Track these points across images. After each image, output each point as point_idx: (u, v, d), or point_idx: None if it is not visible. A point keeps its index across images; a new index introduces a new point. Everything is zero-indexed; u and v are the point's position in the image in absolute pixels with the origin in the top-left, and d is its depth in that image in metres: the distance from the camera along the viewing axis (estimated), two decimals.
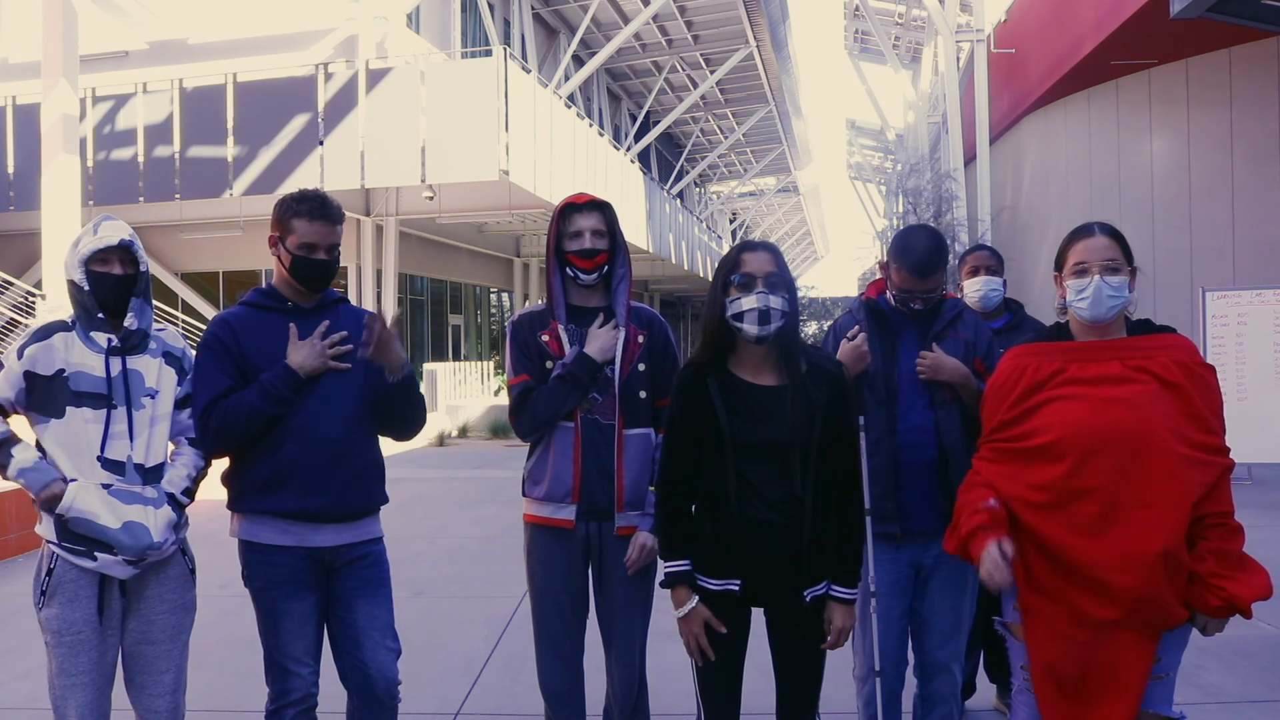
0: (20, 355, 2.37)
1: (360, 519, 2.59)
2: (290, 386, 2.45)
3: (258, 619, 2.57)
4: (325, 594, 2.58)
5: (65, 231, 10.34)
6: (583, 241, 2.63)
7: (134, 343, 2.47)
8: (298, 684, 2.53)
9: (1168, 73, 14.21)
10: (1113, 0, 12.72)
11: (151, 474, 2.44)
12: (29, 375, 2.37)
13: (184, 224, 16.10)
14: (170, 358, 2.54)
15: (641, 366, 2.68)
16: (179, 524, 2.49)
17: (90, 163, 13.55)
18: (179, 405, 2.53)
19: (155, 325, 2.56)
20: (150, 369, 2.48)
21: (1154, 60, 14.03)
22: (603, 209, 2.68)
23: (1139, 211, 14.50)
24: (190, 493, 2.53)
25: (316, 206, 2.51)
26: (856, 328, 2.72)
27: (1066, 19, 14.97)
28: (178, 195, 13.72)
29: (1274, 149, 12.76)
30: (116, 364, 2.43)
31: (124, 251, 2.42)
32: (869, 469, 2.59)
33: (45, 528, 2.40)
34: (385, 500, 2.67)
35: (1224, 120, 13.38)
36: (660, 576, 2.34)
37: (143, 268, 2.48)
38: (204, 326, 14.25)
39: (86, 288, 2.41)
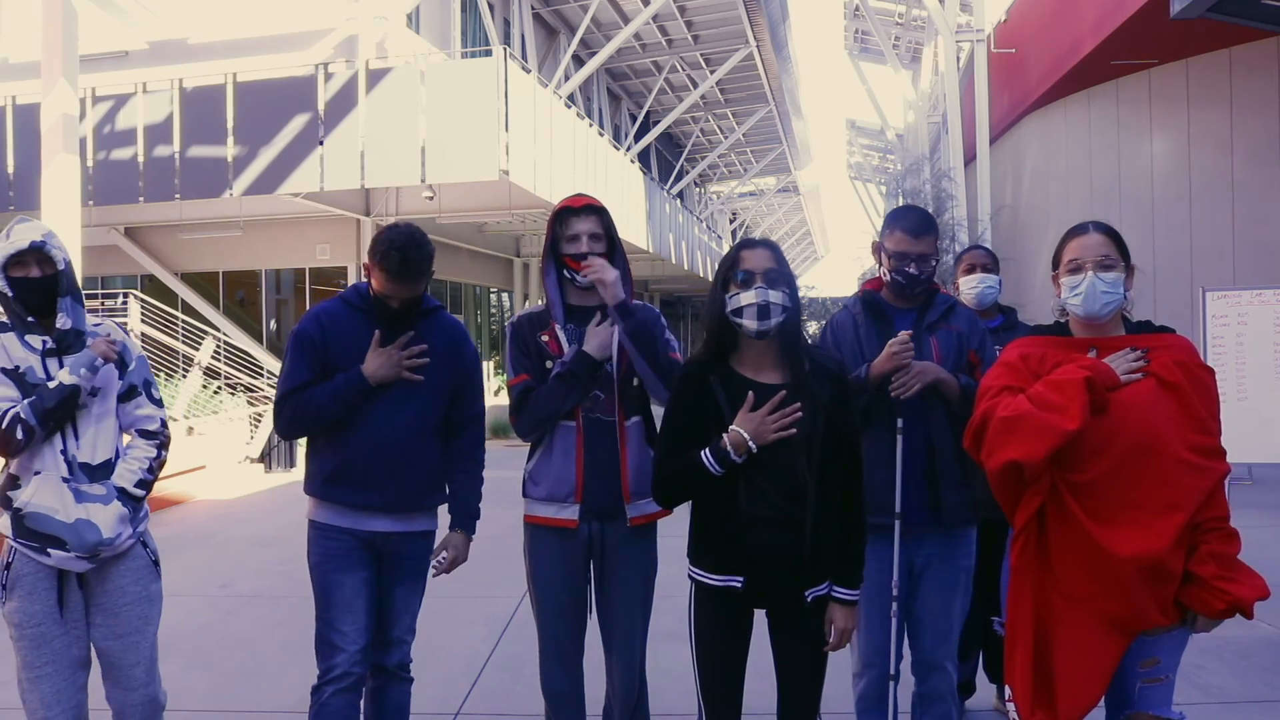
0: None
1: (415, 513, 2.72)
2: (359, 392, 2.58)
3: (315, 597, 2.68)
4: (376, 573, 2.69)
5: (65, 231, 10.34)
6: (579, 245, 2.65)
7: (69, 343, 2.47)
8: (340, 659, 2.59)
9: (1168, 73, 14.20)
10: (1113, 0, 12.72)
11: (98, 471, 2.47)
12: (5, 371, 2.39)
13: (184, 224, 16.09)
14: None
15: None
16: (134, 517, 2.51)
17: (90, 163, 13.53)
18: (123, 398, 2.56)
19: (93, 321, 2.56)
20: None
21: (1154, 60, 14.01)
22: (599, 213, 2.70)
23: (1139, 211, 14.48)
24: (145, 484, 2.54)
25: (396, 266, 2.56)
26: (908, 333, 2.64)
27: (1066, 19, 14.96)
28: (178, 195, 13.69)
29: (1274, 149, 12.76)
30: (54, 365, 2.43)
31: (38, 253, 2.42)
32: (870, 461, 2.57)
33: (2, 523, 2.42)
34: (441, 501, 2.80)
35: (1224, 120, 13.37)
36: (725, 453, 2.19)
37: (61, 266, 2.46)
38: (203, 327, 14.28)
39: (10, 294, 2.42)
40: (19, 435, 2.31)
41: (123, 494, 2.48)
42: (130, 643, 2.52)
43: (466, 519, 2.83)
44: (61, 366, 2.42)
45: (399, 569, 2.73)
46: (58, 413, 2.37)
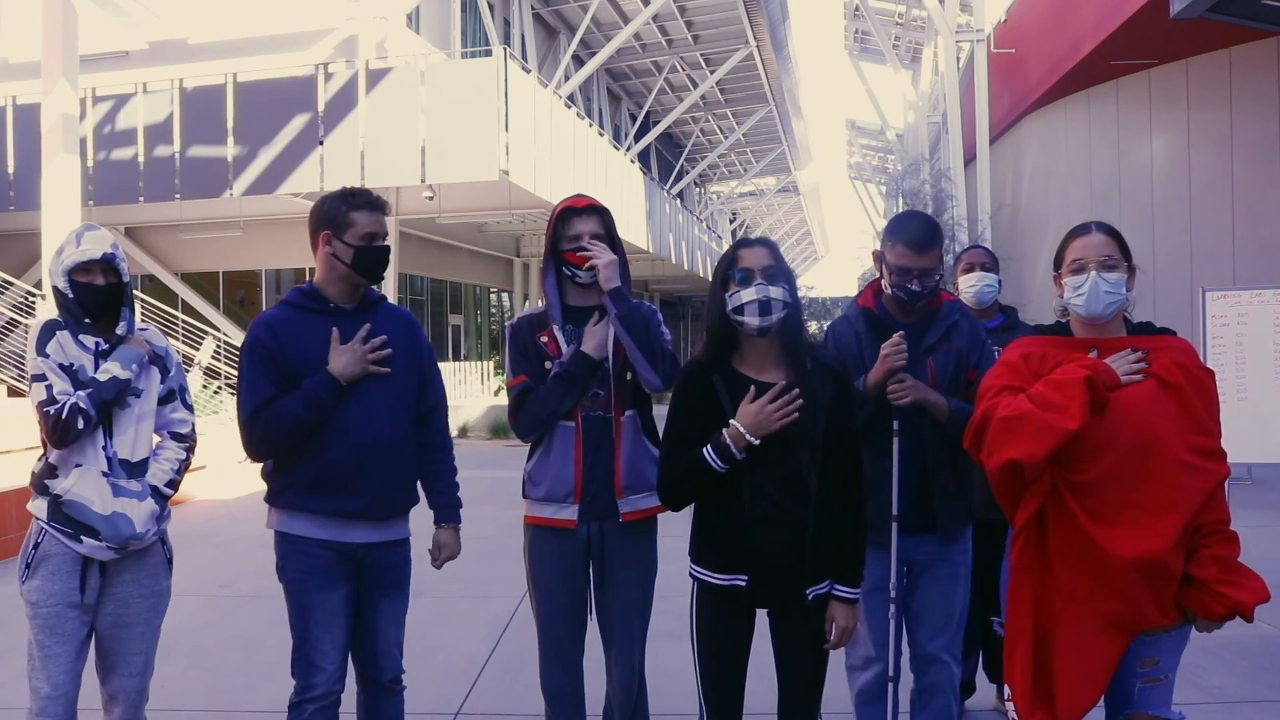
0: (46, 354, 2.48)
1: (393, 519, 2.67)
2: (332, 394, 2.52)
3: (289, 611, 2.63)
4: (356, 587, 2.65)
5: (65, 232, 10.35)
6: (581, 244, 2.64)
7: (118, 346, 2.58)
8: (321, 680, 2.57)
9: (1168, 73, 14.20)
10: (1113, 0, 12.72)
11: (136, 469, 2.57)
12: (62, 367, 2.49)
13: (184, 224, 16.12)
14: (154, 357, 2.65)
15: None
16: (161, 515, 2.60)
17: (90, 163, 13.54)
18: (162, 401, 2.67)
19: (138, 326, 2.68)
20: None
21: (1154, 60, 14.02)
22: (601, 213, 2.70)
23: (1139, 211, 14.49)
24: (174, 484, 2.65)
25: (373, 199, 2.63)
26: (900, 334, 2.62)
27: (1066, 19, 14.97)
28: (178, 195, 13.72)
29: (1274, 149, 12.76)
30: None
31: (105, 264, 2.52)
32: (869, 472, 2.57)
33: (37, 505, 2.51)
34: (416, 501, 2.74)
35: (1224, 120, 13.38)
36: (727, 450, 2.19)
37: (125, 279, 2.58)
38: (203, 327, 14.29)
39: (71, 295, 2.52)
40: (80, 425, 2.41)
41: (154, 492, 2.57)
42: (136, 633, 2.60)
43: (450, 510, 2.79)
44: None
45: (382, 581, 2.67)
46: (113, 403, 2.49)
